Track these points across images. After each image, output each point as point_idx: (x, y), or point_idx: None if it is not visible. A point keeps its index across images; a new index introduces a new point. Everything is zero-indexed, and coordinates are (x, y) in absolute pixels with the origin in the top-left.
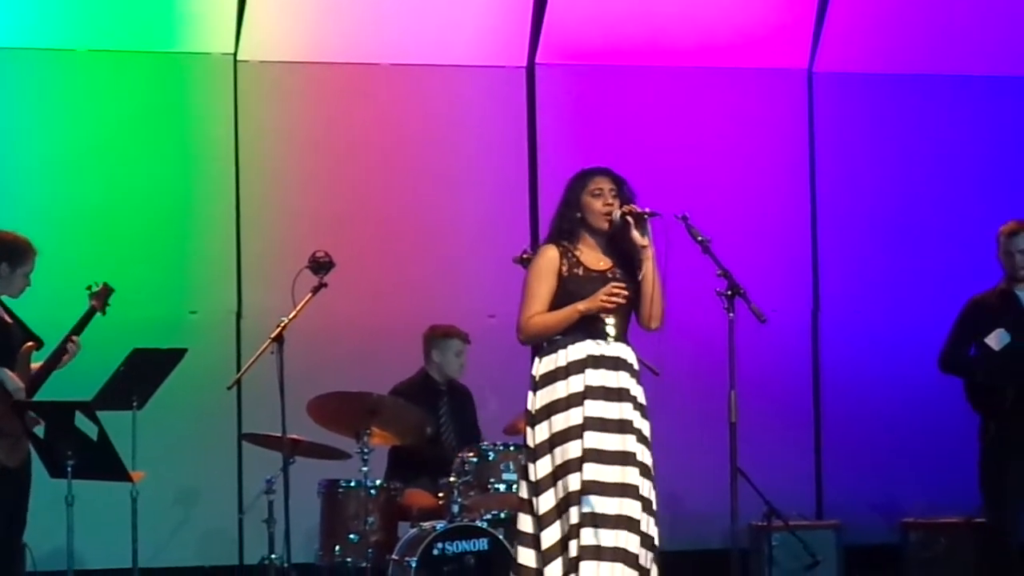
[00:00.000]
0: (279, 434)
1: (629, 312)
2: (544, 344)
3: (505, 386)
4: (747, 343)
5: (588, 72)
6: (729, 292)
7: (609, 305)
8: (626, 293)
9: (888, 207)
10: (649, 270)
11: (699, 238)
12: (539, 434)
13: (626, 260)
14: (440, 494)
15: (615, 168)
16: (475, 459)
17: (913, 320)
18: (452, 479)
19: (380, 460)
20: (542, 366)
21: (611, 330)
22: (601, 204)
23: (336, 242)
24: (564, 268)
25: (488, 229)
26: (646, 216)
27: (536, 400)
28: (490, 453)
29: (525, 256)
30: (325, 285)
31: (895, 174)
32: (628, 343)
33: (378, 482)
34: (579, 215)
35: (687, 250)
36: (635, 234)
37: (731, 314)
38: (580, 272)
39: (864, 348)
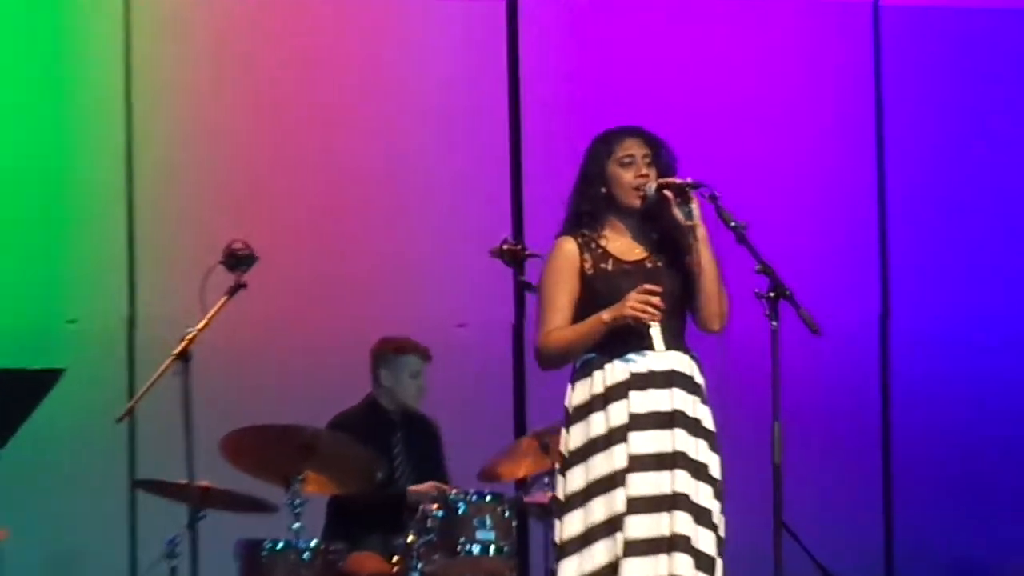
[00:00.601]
0: (184, 480)
1: (682, 310)
2: (576, 366)
3: (479, 416)
4: (795, 359)
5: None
6: (772, 294)
7: (642, 315)
8: (659, 291)
9: (979, 182)
10: (704, 255)
11: (732, 223)
12: (572, 481)
13: (666, 245)
14: (394, 558)
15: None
16: (440, 513)
17: (1011, 331)
18: (410, 538)
19: (316, 514)
20: (575, 395)
21: (657, 337)
22: (633, 176)
23: (259, 229)
24: (587, 264)
25: (458, 213)
26: (688, 188)
27: (570, 439)
28: (460, 505)
29: (506, 247)
30: (244, 285)
31: (984, 137)
32: (686, 350)
33: (313, 543)
34: (604, 191)
35: (717, 238)
36: (677, 212)
37: (774, 323)
38: (609, 266)
39: (947, 366)
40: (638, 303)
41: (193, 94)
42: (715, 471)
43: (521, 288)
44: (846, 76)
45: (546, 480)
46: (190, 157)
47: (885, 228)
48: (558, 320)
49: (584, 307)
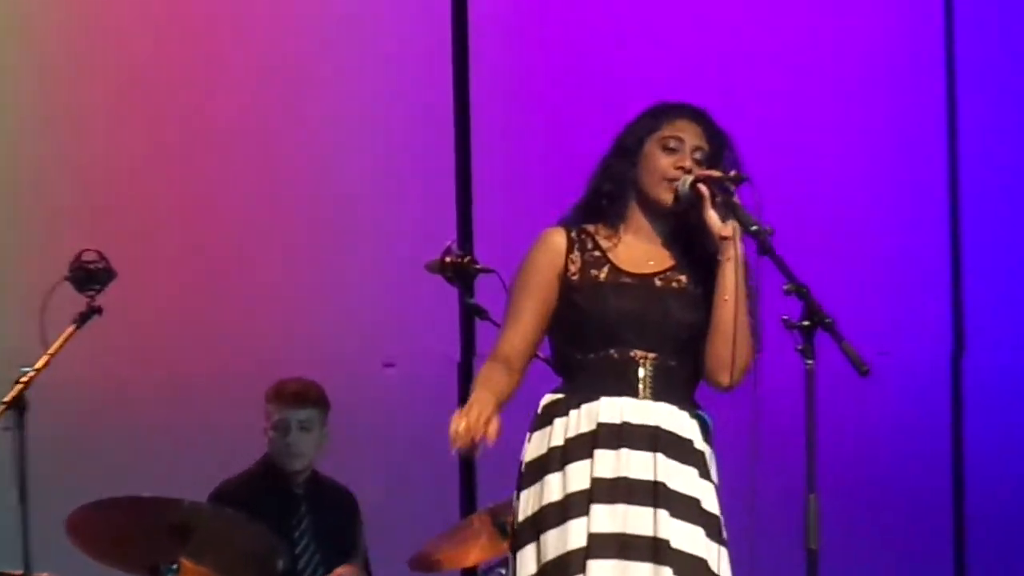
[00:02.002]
0: (18, 573)
1: (689, 346)
2: (537, 410)
3: (414, 484)
4: (836, 407)
5: None
6: (806, 322)
7: (453, 442)
8: (486, 424)
9: None
10: (730, 280)
11: (753, 227)
12: (523, 567)
13: (697, 262)
14: None
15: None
16: None
17: None
18: None
19: None
20: (530, 448)
21: (645, 380)
22: (671, 164)
23: (117, 237)
24: (574, 267)
25: (387, 219)
26: (728, 182)
27: (519, 506)
28: None
29: (450, 259)
30: (99, 311)
31: None
32: (688, 404)
33: None
34: (635, 173)
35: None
36: (710, 215)
37: (809, 361)
38: (602, 274)
39: None
40: (457, 426)
41: (31, 67)
42: (718, 567)
43: (469, 313)
44: (910, 58)
45: (502, 571)
46: (25, 145)
47: (958, 244)
48: (513, 337)
49: (561, 325)
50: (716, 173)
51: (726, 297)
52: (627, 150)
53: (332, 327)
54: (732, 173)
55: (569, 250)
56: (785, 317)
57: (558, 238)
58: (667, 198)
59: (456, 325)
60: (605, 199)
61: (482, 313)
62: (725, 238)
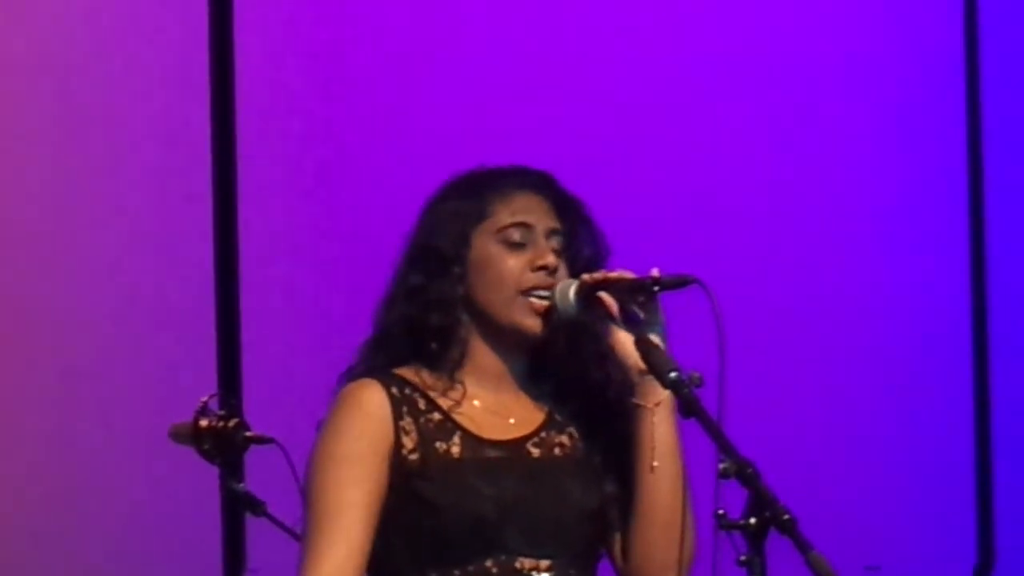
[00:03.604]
0: None
1: (593, 544)
2: None
3: None
4: None
5: None
6: (752, 520)
7: None
8: None
9: None
10: (664, 434)
11: (671, 374)
12: None
13: (579, 404)
14: None
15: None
16: None
17: None
18: None
19: None
20: None
21: None
22: (525, 267)
23: None
24: (409, 443)
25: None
26: (656, 289)
27: None
28: None
29: (207, 422)
30: None
31: None
32: None
33: None
34: (462, 291)
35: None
36: (621, 340)
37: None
38: (455, 449)
39: None
40: None
41: None
42: None
43: (235, 504)
44: (926, 62)
45: None
46: None
47: (984, 283)
48: (335, 554)
49: (397, 531)
50: (627, 274)
51: (655, 464)
52: (443, 257)
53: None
54: (655, 273)
55: (396, 416)
56: (720, 511)
57: (376, 397)
58: (532, 323)
59: (217, 526)
60: (433, 339)
61: (256, 507)
62: (647, 377)
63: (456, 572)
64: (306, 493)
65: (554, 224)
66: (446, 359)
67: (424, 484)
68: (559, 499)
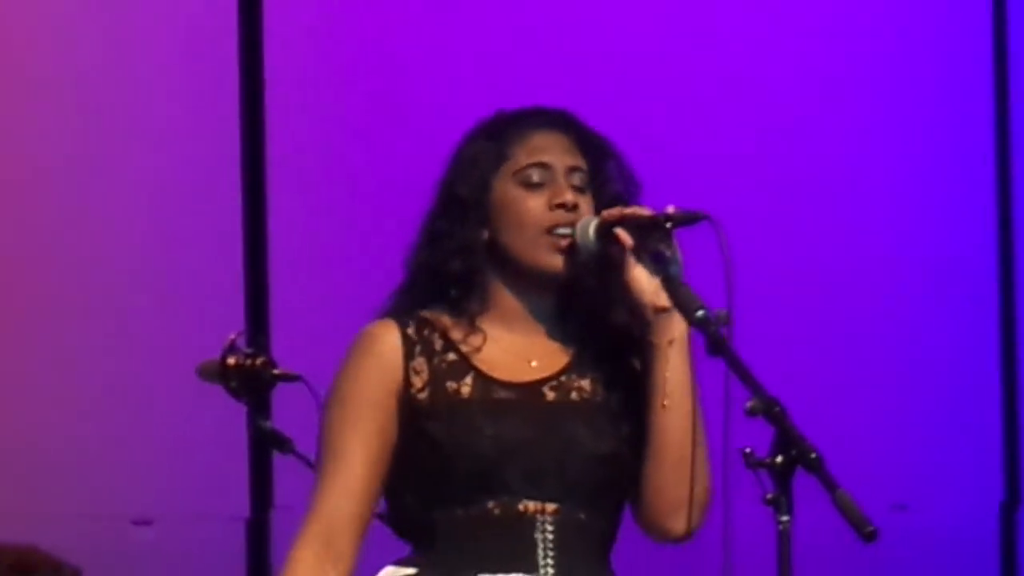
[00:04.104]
0: None
1: (605, 488)
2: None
3: None
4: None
5: None
6: (779, 458)
7: None
8: None
9: None
10: (676, 374)
11: (698, 312)
12: None
13: (605, 348)
14: None
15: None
16: None
17: None
18: None
19: None
20: None
21: (546, 550)
22: (546, 206)
23: None
24: (419, 381)
25: (135, 299)
26: (666, 224)
27: None
28: None
29: (234, 360)
30: None
31: None
32: (600, 573)
33: None
34: (486, 235)
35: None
36: (637, 276)
37: (784, 518)
38: (466, 389)
39: None
40: None
41: None
42: None
43: (263, 444)
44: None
45: None
46: None
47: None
48: (337, 493)
49: (406, 469)
50: (643, 211)
51: (665, 402)
52: (464, 203)
53: (63, 472)
54: (670, 210)
55: (408, 355)
56: (747, 450)
57: (389, 338)
58: (554, 261)
59: (244, 463)
60: (454, 284)
61: (283, 444)
62: (663, 310)
63: (459, 512)
64: (319, 432)
65: (574, 161)
66: (467, 305)
67: (430, 423)
68: (566, 443)
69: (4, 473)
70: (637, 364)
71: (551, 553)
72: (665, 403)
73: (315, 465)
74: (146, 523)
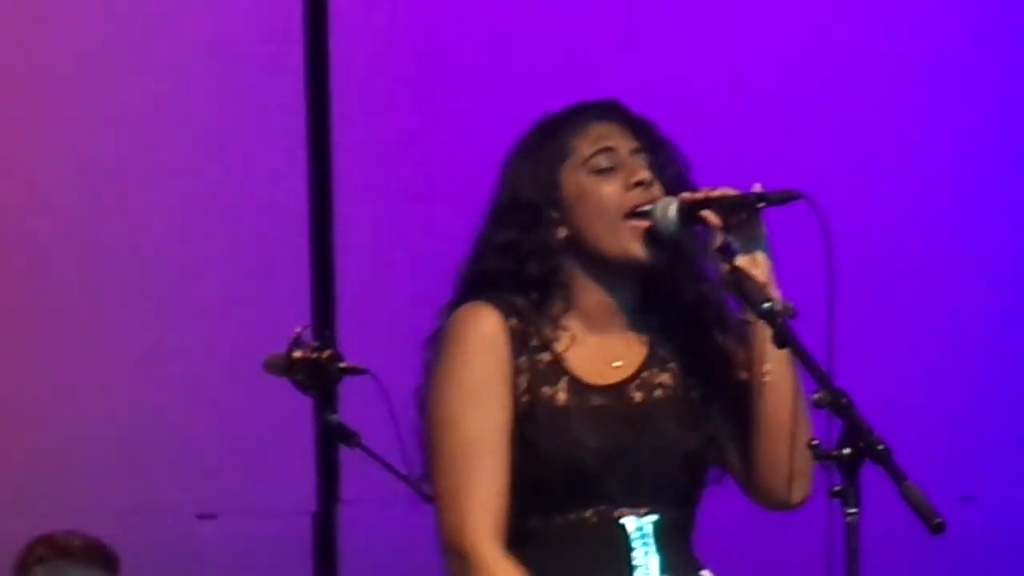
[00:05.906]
0: None
1: (694, 486)
2: None
3: None
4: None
5: None
6: (847, 450)
7: None
8: None
9: None
10: (779, 352)
11: (764, 304)
12: None
13: (682, 333)
14: None
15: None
16: None
17: None
18: None
19: None
20: None
21: (645, 547)
22: (623, 188)
23: None
24: (521, 380)
25: (203, 294)
26: (761, 205)
27: None
28: None
29: (301, 354)
30: None
31: None
32: (693, 569)
33: None
34: (565, 233)
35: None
36: (726, 267)
37: (852, 510)
38: (561, 395)
39: None
40: None
41: None
42: None
43: (329, 435)
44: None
45: None
46: None
47: None
48: (489, 494)
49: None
50: (729, 191)
51: (767, 376)
52: (534, 207)
53: (130, 467)
54: (758, 188)
55: (515, 351)
56: (815, 441)
57: (496, 324)
58: (638, 249)
59: (311, 458)
60: (533, 288)
61: (349, 438)
62: (764, 304)
63: (557, 520)
64: (433, 426)
65: (635, 144)
66: (551, 305)
67: (530, 428)
68: (659, 447)
69: (72, 467)
70: (722, 341)
71: (645, 556)
72: (766, 373)
73: (436, 464)
74: (211, 517)
